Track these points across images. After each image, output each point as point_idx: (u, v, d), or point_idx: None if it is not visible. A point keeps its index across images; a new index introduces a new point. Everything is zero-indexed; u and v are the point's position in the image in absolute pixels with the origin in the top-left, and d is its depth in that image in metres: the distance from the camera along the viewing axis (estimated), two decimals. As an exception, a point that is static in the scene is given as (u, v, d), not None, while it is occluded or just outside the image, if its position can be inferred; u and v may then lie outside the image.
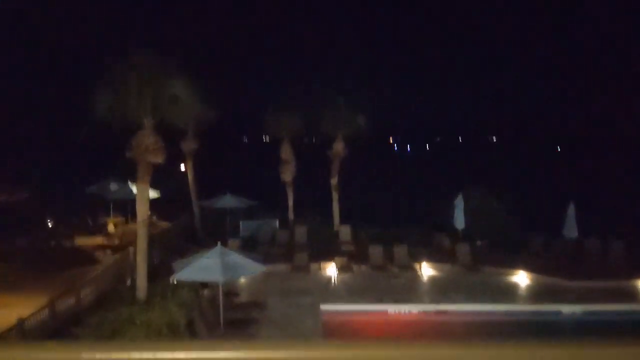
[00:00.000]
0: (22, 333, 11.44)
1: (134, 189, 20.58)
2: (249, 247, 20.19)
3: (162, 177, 18.42)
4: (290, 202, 24.81)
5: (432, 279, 18.37)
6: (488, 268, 18.95)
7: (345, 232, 22.46)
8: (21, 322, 11.55)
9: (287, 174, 24.67)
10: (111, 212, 25.06)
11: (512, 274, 18.41)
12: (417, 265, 19.07)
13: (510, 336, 14.83)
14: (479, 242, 21.04)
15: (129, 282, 15.98)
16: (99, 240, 21.77)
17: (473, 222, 21.19)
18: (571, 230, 19.47)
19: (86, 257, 19.13)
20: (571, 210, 19.54)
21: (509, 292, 17.01)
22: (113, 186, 24.71)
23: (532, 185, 45.12)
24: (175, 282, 14.05)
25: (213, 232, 22.54)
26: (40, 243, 20.96)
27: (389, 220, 24.33)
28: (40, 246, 20.54)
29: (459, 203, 20.98)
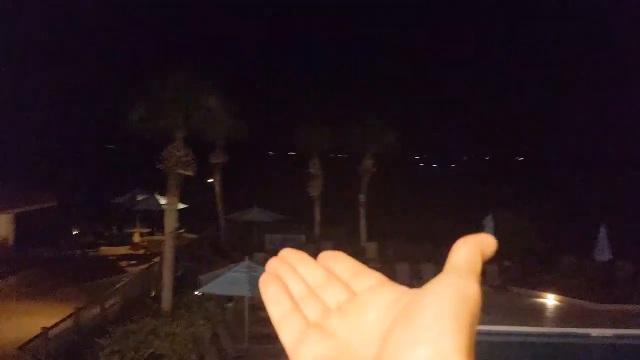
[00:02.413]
0: (45, 342, 11.39)
1: (161, 201, 20.74)
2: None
3: (189, 189, 18.47)
4: (317, 217, 24.61)
5: (461, 300, 17.89)
6: (517, 289, 18.55)
7: (371, 248, 22.15)
8: (45, 331, 11.49)
9: (315, 189, 24.51)
10: (137, 222, 25.23)
11: (541, 296, 18.00)
12: (445, 285, 18.60)
13: (537, 359, 14.37)
14: (507, 263, 20.54)
15: (154, 293, 15.91)
16: (124, 250, 21.89)
17: (502, 242, 20.55)
18: (603, 252, 18.92)
19: (111, 267, 19.22)
20: (603, 232, 19.04)
21: (538, 314, 16.55)
22: (140, 197, 24.90)
23: (563, 205, 43.97)
24: (200, 295, 13.91)
25: (239, 245, 22.48)
26: (66, 252, 21.13)
27: (417, 237, 23.90)
28: (65, 255, 20.72)
29: (489, 222, 20.54)
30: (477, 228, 21.04)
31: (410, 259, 20.05)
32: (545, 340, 14.93)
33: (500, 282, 18.79)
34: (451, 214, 33.65)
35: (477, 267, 0.43)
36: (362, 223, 23.94)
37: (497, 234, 20.55)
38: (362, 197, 24.08)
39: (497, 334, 15.03)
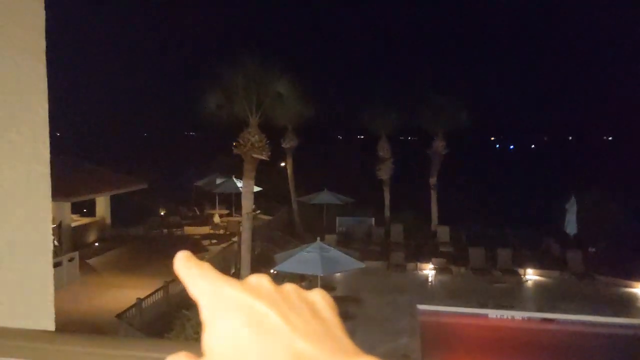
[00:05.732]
0: (139, 312, 12.52)
1: (238, 184, 21.70)
2: (345, 243, 20.36)
3: (263, 172, 19.17)
4: (387, 200, 24.64)
5: (538, 286, 17.31)
6: (603, 277, 17.48)
7: (443, 232, 21.86)
8: (140, 301, 12.65)
9: (384, 172, 24.52)
10: (217, 204, 26.50)
11: (630, 285, 16.86)
12: (521, 271, 18.08)
13: (623, 352, 13.68)
14: (592, 249, 19.50)
15: (233, 270, 16.82)
16: (206, 230, 23.13)
17: (587, 227, 19.64)
18: None
19: (194, 245, 20.44)
20: None
21: (627, 305, 15.58)
22: (219, 180, 26.09)
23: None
24: (275, 273, 14.54)
25: (310, 226, 23.07)
26: (155, 231, 22.72)
27: (491, 222, 23.29)
28: (154, 234, 22.30)
29: (571, 206, 19.56)
30: (559, 212, 20.19)
31: (484, 243, 19.58)
32: (634, 332, 14.19)
33: (585, 269, 17.92)
34: (530, 197, 32.38)
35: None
36: (434, 206, 23.68)
37: (580, 218, 19.70)
38: (433, 180, 23.77)
39: (581, 323, 14.47)
